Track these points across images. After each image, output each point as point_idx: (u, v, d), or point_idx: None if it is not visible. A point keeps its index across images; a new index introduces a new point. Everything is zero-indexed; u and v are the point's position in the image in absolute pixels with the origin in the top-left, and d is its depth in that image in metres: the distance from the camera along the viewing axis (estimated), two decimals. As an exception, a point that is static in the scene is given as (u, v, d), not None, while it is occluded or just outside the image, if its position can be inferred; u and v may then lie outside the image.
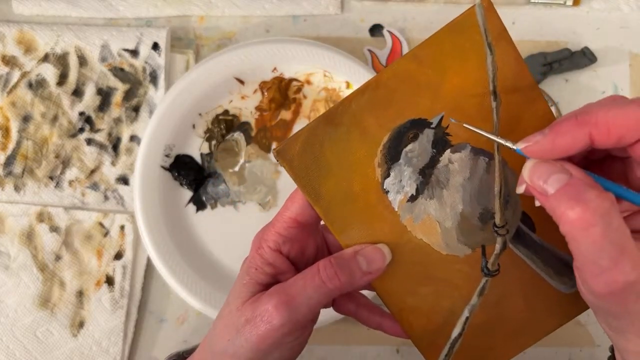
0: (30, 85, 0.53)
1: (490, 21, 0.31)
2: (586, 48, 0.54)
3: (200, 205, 0.53)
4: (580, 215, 0.25)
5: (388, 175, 0.32)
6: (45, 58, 0.53)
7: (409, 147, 0.31)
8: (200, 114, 0.52)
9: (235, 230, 0.52)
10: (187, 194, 0.52)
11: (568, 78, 0.54)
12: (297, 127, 0.53)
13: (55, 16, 0.55)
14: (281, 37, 0.53)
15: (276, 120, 0.53)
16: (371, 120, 0.31)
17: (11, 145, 0.53)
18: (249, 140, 0.53)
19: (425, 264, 0.33)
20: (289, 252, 0.33)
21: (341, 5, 0.55)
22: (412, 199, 0.32)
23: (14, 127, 0.53)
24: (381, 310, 0.38)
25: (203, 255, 0.52)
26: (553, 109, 0.30)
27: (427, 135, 0.31)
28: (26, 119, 0.53)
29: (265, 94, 0.52)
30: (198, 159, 0.53)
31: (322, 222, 0.33)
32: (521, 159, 0.28)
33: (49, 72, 0.53)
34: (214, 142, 0.53)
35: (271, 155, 0.53)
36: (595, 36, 0.55)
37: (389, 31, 0.54)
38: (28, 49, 0.53)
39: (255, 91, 0.52)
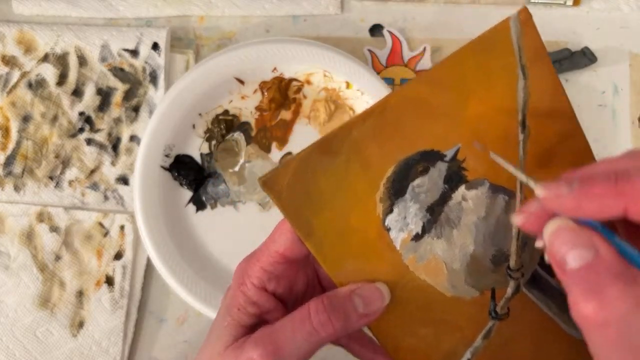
0: (30, 85, 0.53)
1: (526, 38, 0.27)
2: (586, 48, 0.54)
3: (200, 205, 0.53)
4: (595, 313, 0.22)
5: (391, 212, 0.28)
6: (45, 58, 0.53)
7: (417, 181, 0.28)
8: (200, 114, 0.52)
9: (235, 230, 0.52)
10: (187, 194, 0.52)
11: (568, 78, 0.54)
12: (297, 127, 0.53)
13: (55, 16, 0.55)
14: (281, 37, 0.53)
15: (276, 120, 0.53)
16: (374, 149, 0.28)
17: (11, 145, 0.53)
18: (249, 140, 0.53)
19: (427, 306, 0.30)
20: (275, 289, 0.30)
21: (341, 5, 0.55)
22: (417, 237, 0.29)
23: (14, 127, 0.53)
24: (374, 345, 0.34)
25: (203, 255, 0.52)
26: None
27: (439, 169, 0.28)
28: (26, 119, 0.53)
29: (265, 94, 0.52)
30: (198, 159, 0.53)
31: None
32: None
33: (49, 72, 0.53)
34: (214, 142, 0.53)
35: (271, 155, 0.53)
36: (595, 36, 0.54)
37: (389, 31, 0.54)
38: (28, 49, 0.53)
39: (255, 91, 0.52)
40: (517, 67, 0.27)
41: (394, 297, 0.29)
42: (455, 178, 0.28)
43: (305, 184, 0.27)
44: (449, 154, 0.28)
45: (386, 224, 0.29)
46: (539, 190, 0.24)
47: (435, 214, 0.28)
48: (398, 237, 0.29)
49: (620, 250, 0.23)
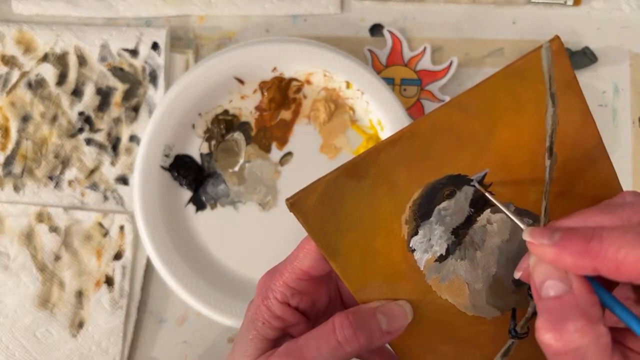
0: (29, 85, 0.53)
1: (557, 67, 0.27)
2: (587, 48, 0.54)
3: (200, 205, 0.53)
4: (552, 342, 0.23)
5: (416, 234, 0.29)
6: (45, 58, 0.53)
7: (444, 204, 0.29)
8: (200, 114, 0.52)
9: (235, 230, 0.52)
10: (187, 194, 0.52)
11: (568, 78, 0.54)
12: (297, 127, 0.53)
13: (54, 16, 0.55)
14: (281, 37, 0.52)
15: (276, 120, 0.53)
16: (402, 174, 0.28)
17: (10, 145, 0.53)
18: (248, 140, 0.53)
19: (447, 324, 0.30)
20: (298, 304, 0.31)
21: (341, 4, 0.55)
22: (441, 259, 0.29)
23: (14, 127, 0.53)
24: (394, 357, 0.35)
25: (203, 255, 0.52)
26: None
27: (466, 193, 0.29)
28: (25, 118, 0.53)
29: (265, 93, 0.52)
30: (198, 159, 0.52)
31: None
32: None
33: (49, 72, 0.53)
34: (213, 142, 0.52)
35: (271, 155, 0.53)
36: (595, 36, 0.54)
37: (389, 31, 0.54)
38: (27, 48, 0.53)
39: (255, 91, 0.52)
40: (546, 95, 0.27)
41: (416, 315, 0.30)
42: (481, 202, 0.29)
43: (332, 206, 0.28)
44: (476, 178, 0.28)
45: (411, 245, 0.29)
46: (525, 235, 0.25)
47: (459, 236, 0.29)
48: (422, 258, 0.29)
49: (595, 290, 0.24)
